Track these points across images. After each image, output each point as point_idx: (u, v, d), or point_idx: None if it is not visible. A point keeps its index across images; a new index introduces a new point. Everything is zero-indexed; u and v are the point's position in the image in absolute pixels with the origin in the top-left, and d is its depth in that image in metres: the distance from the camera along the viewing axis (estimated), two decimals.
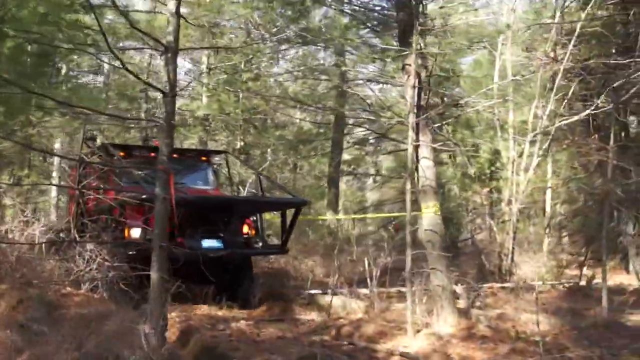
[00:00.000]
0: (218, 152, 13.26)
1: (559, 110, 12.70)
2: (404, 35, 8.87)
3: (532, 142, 12.46)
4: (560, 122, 12.45)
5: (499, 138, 13.07)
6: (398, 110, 14.30)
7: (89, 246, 8.20)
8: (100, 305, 7.54)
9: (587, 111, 12.30)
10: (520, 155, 12.47)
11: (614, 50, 12.93)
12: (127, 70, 5.96)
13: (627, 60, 11.60)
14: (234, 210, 10.20)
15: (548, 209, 13.99)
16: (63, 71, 11.46)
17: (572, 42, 11.44)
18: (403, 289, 10.80)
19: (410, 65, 8.48)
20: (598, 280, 11.70)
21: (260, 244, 10.68)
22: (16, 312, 6.71)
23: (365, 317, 9.44)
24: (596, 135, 12.61)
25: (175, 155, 8.85)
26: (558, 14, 12.25)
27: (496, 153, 14.05)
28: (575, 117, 12.44)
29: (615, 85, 11.65)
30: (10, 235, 7.81)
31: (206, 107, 16.83)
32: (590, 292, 11.39)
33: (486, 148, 14.06)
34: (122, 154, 10.06)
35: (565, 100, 12.82)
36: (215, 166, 12.15)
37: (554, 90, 11.84)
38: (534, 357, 6.68)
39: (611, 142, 10.31)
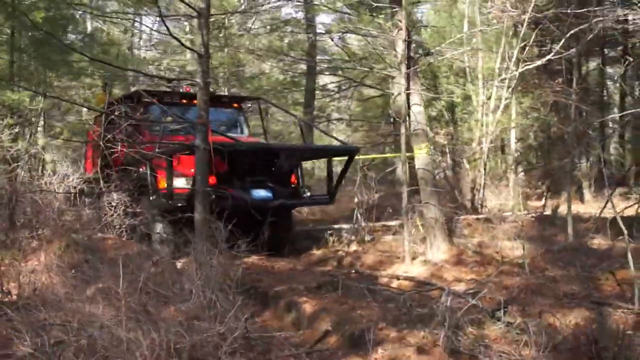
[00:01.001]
0: (251, 99, 12.91)
1: (521, 56, 13.64)
2: None
3: (499, 87, 13.49)
4: (523, 67, 13.46)
5: (469, 84, 14.00)
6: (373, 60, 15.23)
7: (115, 195, 8.87)
8: (133, 248, 8.29)
9: (548, 57, 13.41)
10: (489, 98, 13.46)
11: None
12: (171, 35, 6.56)
13: (584, 10, 12.69)
14: (284, 159, 9.85)
15: (513, 146, 15.21)
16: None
17: None
18: (389, 223, 11.98)
19: (400, 21, 9.26)
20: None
21: (308, 193, 10.48)
22: (65, 256, 7.39)
23: (360, 249, 10.44)
24: (560, 80, 13.69)
25: (195, 102, 8.89)
26: None
27: (467, 98, 15.01)
28: (537, 63, 13.49)
29: (572, 32, 12.76)
30: (50, 187, 8.36)
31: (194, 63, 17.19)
32: (555, 221, 12.61)
33: (459, 93, 15.01)
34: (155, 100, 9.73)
35: (527, 48, 13.76)
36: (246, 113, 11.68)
37: (519, 39, 12.81)
38: (521, 277, 7.75)
39: (574, 84, 11.36)
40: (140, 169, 9.47)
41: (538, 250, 9.66)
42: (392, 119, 14.50)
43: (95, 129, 10.80)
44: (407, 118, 9.40)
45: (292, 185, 10.21)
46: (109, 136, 9.47)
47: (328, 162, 10.70)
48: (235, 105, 11.44)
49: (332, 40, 16.01)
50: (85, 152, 12.02)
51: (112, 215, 8.59)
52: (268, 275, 8.56)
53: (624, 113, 16.80)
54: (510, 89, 13.53)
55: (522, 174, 18.22)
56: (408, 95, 9.36)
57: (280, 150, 10.10)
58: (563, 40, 12.85)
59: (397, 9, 9.36)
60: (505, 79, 13.26)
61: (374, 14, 10.89)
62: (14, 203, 7.77)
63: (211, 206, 6.92)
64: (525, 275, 7.80)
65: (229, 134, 10.10)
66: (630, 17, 13.18)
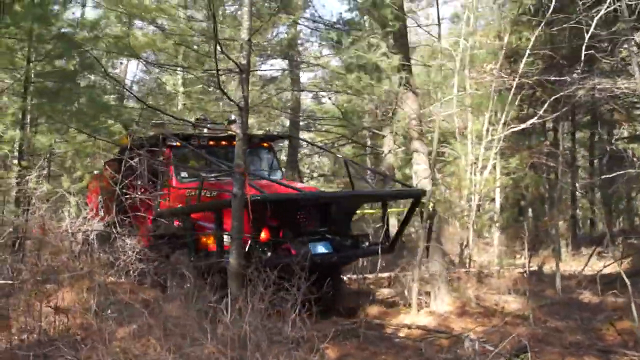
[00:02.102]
0: (282, 137, 12.52)
1: (507, 119, 14.46)
2: None
3: (487, 147, 14.22)
4: (508, 130, 14.28)
5: (458, 143, 14.70)
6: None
7: (128, 241, 9.02)
8: (150, 292, 8.49)
9: (532, 120, 14.29)
10: (477, 158, 14.16)
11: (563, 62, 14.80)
12: (221, 90, 6.94)
13: (565, 78, 13.65)
14: (344, 206, 9.15)
15: (498, 205, 15.92)
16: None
17: (523, 61, 13.20)
18: (382, 275, 12.38)
19: (410, 84, 9.95)
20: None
21: (367, 243, 9.34)
22: (88, 298, 7.56)
23: (361, 301, 10.77)
24: (547, 142, 14.54)
25: (235, 143, 8.62)
26: (506, 38, 13.94)
27: (456, 158, 15.68)
28: (522, 126, 14.33)
29: (553, 98, 13.65)
30: (70, 230, 8.57)
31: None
32: (542, 277, 13.19)
33: (451, 152, 15.71)
34: (178, 144, 9.42)
35: (511, 111, 14.60)
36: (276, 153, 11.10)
37: (507, 103, 13.63)
38: (526, 327, 8.22)
39: (560, 147, 12.13)
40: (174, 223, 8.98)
41: (530, 304, 10.17)
42: (382, 176, 14.95)
43: (105, 174, 10.65)
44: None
45: (351, 235, 9.34)
46: (124, 181, 9.35)
47: (383, 207, 9.94)
48: (266, 145, 10.72)
49: (330, 98, 16.62)
50: (87, 197, 11.74)
51: (125, 260, 8.68)
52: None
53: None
54: (496, 150, 14.26)
55: (500, 232, 19.02)
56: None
57: (344, 198, 9.39)
58: (546, 105, 13.71)
59: (407, 76, 9.98)
60: (492, 140, 14.00)
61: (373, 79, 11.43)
62: (38, 245, 8.00)
63: (266, 264, 6.73)
64: (529, 325, 8.26)
65: (273, 178, 9.59)
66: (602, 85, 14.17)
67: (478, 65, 14.29)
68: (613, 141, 19.19)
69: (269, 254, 7.74)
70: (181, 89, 17.93)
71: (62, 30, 11.48)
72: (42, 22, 10.26)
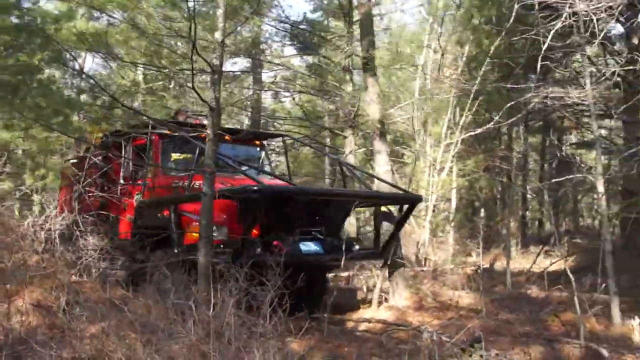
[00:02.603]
0: (276, 136, 12.04)
1: (464, 124, 15.11)
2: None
3: (445, 150, 14.86)
4: (466, 134, 14.92)
5: (418, 146, 15.29)
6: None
7: (91, 239, 8.93)
8: (117, 290, 8.62)
9: (489, 125, 14.95)
10: (435, 160, 14.78)
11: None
12: (194, 90, 7.20)
13: (521, 85, 14.37)
14: (339, 207, 8.82)
15: (453, 205, 16.60)
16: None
17: (483, 68, 13.85)
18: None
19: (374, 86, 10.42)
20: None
21: (357, 247, 8.94)
22: (52, 297, 7.65)
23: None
24: (502, 146, 15.25)
25: (227, 137, 8.64)
26: (467, 46, 14.58)
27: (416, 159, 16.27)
28: (479, 130, 14.99)
29: (509, 105, 14.34)
30: (32, 229, 8.64)
31: None
32: (492, 274, 13.88)
33: (410, 154, 16.31)
34: (168, 132, 8.95)
35: (468, 117, 15.25)
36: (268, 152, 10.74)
37: (466, 108, 14.27)
38: (479, 320, 8.78)
39: (515, 151, 12.78)
40: (159, 215, 8.56)
41: (483, 299, 10.78)
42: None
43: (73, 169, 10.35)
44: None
45: (342, 238, 8.93)
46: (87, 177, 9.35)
47: (375, 211, 9.62)
48: (258, 142, 10.49)
49: (294, 98, 16.98)
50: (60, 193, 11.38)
51: (87, 259, 8.69)
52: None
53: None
54: (453, 153, 14.90)
55: (454, 231, 19.76)
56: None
57: (340, 197, 8.99)
58: (502, 111, 14.39)
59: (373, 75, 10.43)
60: (450, 143, 14.62)
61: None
62: None
63: (258, 262, 6.57)
64: (482, 318, 8.84)
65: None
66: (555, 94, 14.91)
67: (439, 71, 14.86)
68: (563, 147, 20.08)
69: (258, 250, 7.47)
70: (142, 85, 18.09)
71: (24, 21, 11.17)
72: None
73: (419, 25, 16.29)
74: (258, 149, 10.48)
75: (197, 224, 7.35)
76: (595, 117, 10.21)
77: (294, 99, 17.41)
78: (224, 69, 8.32)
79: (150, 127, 9.10)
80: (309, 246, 8.08)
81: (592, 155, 21.67)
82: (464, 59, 14.49)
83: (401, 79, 15.55)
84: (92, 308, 6.99)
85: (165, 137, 9.22)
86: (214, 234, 7.24)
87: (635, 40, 15.33)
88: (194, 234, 7.57)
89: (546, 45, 12.23)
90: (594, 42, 11.65)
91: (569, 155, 21.93)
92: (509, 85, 14.49)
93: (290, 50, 18.57)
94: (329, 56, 15.63)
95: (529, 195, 23.01)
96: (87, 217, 9.43)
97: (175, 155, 9.44)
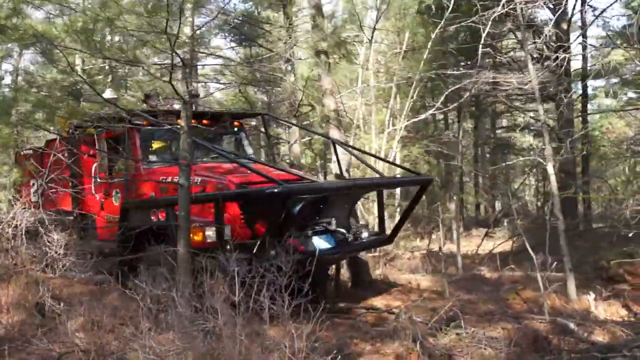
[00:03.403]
0: (254, 115, 11.39)
1: (407, 112, 15.38)
2: None
3: (389, 137, 15.09)
4: (409, 120, 15.20)
5: (362, 133, 15.47)
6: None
7: (55, 235, 8.84)
8: (86, 286, 8.45)
9: (430, 111, 15.30)
10: (380, 147, 14.98)
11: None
12: (170, 83, 7.02)
13: (458, 72, 14.79)
14: (349, 197, 8.37)
15: (398, 191, 16.89)
16: None
17: (424, 57, 14.11)
18: None
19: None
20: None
21: (365, 234, 8.47)
22: (28, 293, 7.46)
23: None
24: (449, 133, 15.62)
25: (204, 122, 8.28)
26: (407, 34, 14.83)
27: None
28: (422, 116, 15.31)
29: (450, 90, 14.74)
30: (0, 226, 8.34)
31: None
32: (441, 257, 14.20)
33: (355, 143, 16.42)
34: (144, 123, 8.31)
35: (410, 104, 15.54)
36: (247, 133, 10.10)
37: (410, 96, 14.52)
38: (443, 300, 9.00)
39: (460, 136, 13.13)
40: (152, 217, 7.92)
41: (439, 281, 11.06)
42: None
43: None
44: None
45: (351, 228, 8.49)
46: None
47: (379, 196, 9.36)
48: (237, 123, 9.86)
49: (240, 90, 16.76)
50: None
51: (53, 255, 8.49)
52: None
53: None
54: (397, 139, 15.15)
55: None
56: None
57: (364, 188, 8.64)
58: (443, 97, 14.75)
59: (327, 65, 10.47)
60: (394, 129, 14.86)
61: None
62: None
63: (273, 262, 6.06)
64: (445, 299, 9.06)
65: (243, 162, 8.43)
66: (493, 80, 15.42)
67: (381, 60, 15.06)
68: (497, 131, 20.76)
69: (273, 252, 6.87)
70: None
71: None
72: None
73: (358, 14, 16.33)
74: (237, 130, 9.90)
75: (196, 225, 7.10)
76: (540, 100, 10.56)
77: (240, 90, 17.18)
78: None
79: (127, 120, 8.14)
80: (321, 242, 7.74)
81: (524, 139, 22.54)
82: (404, 48, 14.68)
83: (345, 68, 15.63)
84: (71, 303, 6.95)
85: (141, 128, 8.54)
86: (214, 236, 7.09)
87: (564, 26, 15.94)
88: (195, 237, 7.10)
89: (485, 32, 12.66)
90: (532, 28, 12.19)
91: (505, 139, 22.85)
92: (448, 72, 14.89)
93: (224, 42, 18.48)
94: (269, 47, 15.59)
95: (465, 179, 23.67)
96: (51, 213, 9.18)
97: (156, 144, 8.95)
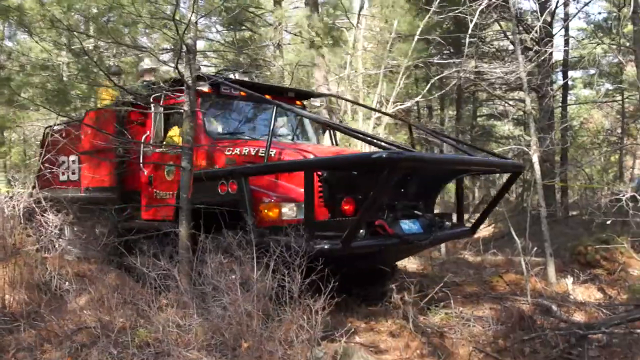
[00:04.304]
0: (320, 95, 10.05)
1: (395, 98, 15.69)
2: None
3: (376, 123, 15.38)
4: (396, 107, 15.50)
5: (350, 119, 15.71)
6: None
7: (51, 216, 8.89)
8: (87, 266, 8.64)
9: (416, 99, 15.64)
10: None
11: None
12: (177, 69, 7.23)
13: (445, 61, 15.14)
14: (440, 177, 7.45)
15: None
16: None
17: (412, 45, 14.39)
18: None
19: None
20: None
21: (448, 223, 7.67)
22: (30, 273, 7.65)
23: None
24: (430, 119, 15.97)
25: (267, 96, 7.76)
26: (395, 22, 15.06)
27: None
28: (408, 104, 15.64)
29: (437, 78, 15.11)
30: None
31: None
32: None
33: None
34: (208, 91, 7.71)
35: (397, 91, 15.84)
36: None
37: (397, 83, 14.81)
38: (430, 282, 9.38)
39: (446, 123, 13.46)
40: (220, 189, 6.88)
41: (424, 265, 11.45)
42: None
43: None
44: None
45: (435, 214, 7.73)
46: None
47: (458, 183, 8.35)
48: (299, 103, 8.96)
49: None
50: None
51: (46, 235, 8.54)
52: None
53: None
54: (384, 126, 15.46)
55: None
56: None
57: (469, 165, 7.27)
58: (429, 85, 15.10)
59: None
60: (381, 116, 15.15)
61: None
62: None
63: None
64: (434, 281, 9.44)
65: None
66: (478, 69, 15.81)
67: (369, 47, 15.32)
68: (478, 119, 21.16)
69: (362, 232, 6.14)
70: (65, 59, 17.43)
71: None
72: None
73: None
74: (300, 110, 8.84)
75: (271, 200, 6.53)
76: (528, 91, 10.92)
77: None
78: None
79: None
80: (409, 225, 6.84)
81: (505, 127, 23.00)
82: (392, 35, 14.92)
83: (334, 54, 15.83)
84: (77, 282, 7.17)
85: (208, 95, 7.86)
86: (293, 214, 6.41)
87: (548, 18, 16.34)
88: (269, 214, 6.48)
89: (473, 23, 13.01)
90: (522, 22, 12.53)
91: (485, 127, 23.28)
92: (436, 61, 15.22)
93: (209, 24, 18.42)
94: (257, 31, 15.74)
95: None
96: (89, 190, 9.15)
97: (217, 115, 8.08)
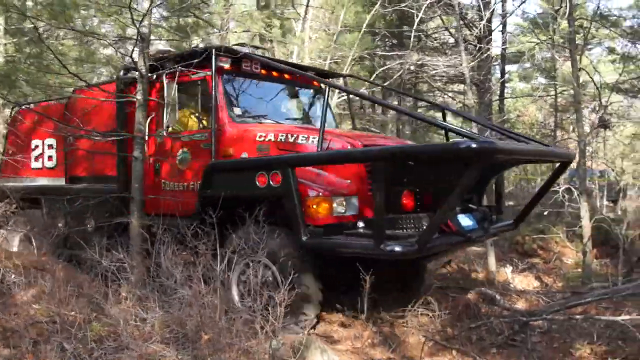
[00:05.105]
0: (337, 75, 9.14)
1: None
2: None
3: None
4: (340, 98, 15.71)
5: None
6: None
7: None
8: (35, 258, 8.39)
9: (361, 90, 15.85)
10: None
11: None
12: (131, 58, 7.07)
13: (390, 53, 15.41)
14: (494, 167, 6.46)
15: None
16: None
17: (358, 38, 14.58)
18: None
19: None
20: None
21: (494, 217, 7.06)
22: None
23: None
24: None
25: (275, 74, 7.31)
26: (342, 14, 15.22)
27: None
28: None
29: (378, 72, 15.36)
30: None
31: None
32: None
33: None
34: (228, 67, 6.82)
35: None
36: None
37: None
38: None
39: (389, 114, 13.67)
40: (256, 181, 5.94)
41: None
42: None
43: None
44: None
45: (483, 206, 7.08)
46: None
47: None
48: (316, 84, 8.09)
49: None
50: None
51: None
52: None
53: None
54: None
55: None
56: None
57: (537, 155, 6.44)
58: (374, 76, 15.33)
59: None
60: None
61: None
62: None
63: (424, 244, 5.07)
64: None
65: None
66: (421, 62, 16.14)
67: (315, 38, 15.41)
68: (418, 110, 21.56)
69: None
70: (2, 41, 16.87)
71: None
72: None
73: None
74: (316, 92, 8.15)
75: (319, 193, 5.68)
76: (470, 86, 11.26)
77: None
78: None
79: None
80: (466, 220, 6.28)
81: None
82: (339, 28, 15.06)
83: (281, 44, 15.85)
84: (22, 274, 6.96)
85: (229, 72, 6.97)
86: (342, 210, 5.72)
87: (487, 14, 16.80)
88: (319, 210, 5.63)
89: (418, 18, 13.31)
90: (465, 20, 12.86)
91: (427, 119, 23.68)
92: (380, 53, 15.46)
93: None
94: (202, 17, 15.59)
95: None
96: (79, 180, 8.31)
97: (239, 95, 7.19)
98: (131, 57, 6.74)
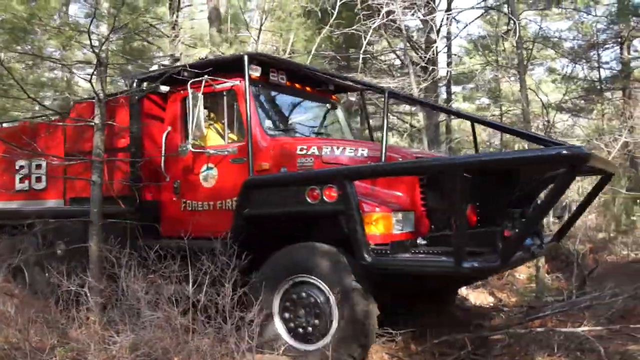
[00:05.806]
0: (353, 90, 8.56)
1: None
2: None
3: None
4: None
5: None
6: None
7: None
8: None
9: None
10: None
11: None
12: (89, 82, 7.02)
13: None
14: (545, 180, 6.11)
15: None
16: None
17: (309, 59, 14.71)
18: None
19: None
20: None
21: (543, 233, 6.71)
22: None
23: None
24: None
25: (297, 86, 7.08)
26: (292, 36, 15.34)
27: None
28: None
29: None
30: None
31: None
32: None
33: None
34: (256, 77, 6.37)
35: None
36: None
37: None
38: None
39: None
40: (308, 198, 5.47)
41: None
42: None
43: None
44: None
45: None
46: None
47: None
48: (334, 98, 7.84)
49: None
50: None
51: None
52: None
53: None
54: None
55: None
56: None
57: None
58: None
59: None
60: None
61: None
62: None
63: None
64: None
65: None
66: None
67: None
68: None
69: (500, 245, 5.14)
70: None
71: None
72: None
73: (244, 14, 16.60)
74: (333, 105, 7.80)
75: (375, 209, 5.28)
76: (421, 107, 11.49)
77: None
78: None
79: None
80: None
81: (392, 139, 23.82)
82: (289, 49, 15.15)
83: None
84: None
85: (256, 83, 6.52)
86: (400, 226, 5.38)
87: (433, 35, 17.23)
88: (375, 228, 5.23)
89: (366, 40, 13.54)
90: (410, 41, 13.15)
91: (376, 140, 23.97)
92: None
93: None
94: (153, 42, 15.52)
95: None
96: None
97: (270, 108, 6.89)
98: (90, 82, 6.63)
